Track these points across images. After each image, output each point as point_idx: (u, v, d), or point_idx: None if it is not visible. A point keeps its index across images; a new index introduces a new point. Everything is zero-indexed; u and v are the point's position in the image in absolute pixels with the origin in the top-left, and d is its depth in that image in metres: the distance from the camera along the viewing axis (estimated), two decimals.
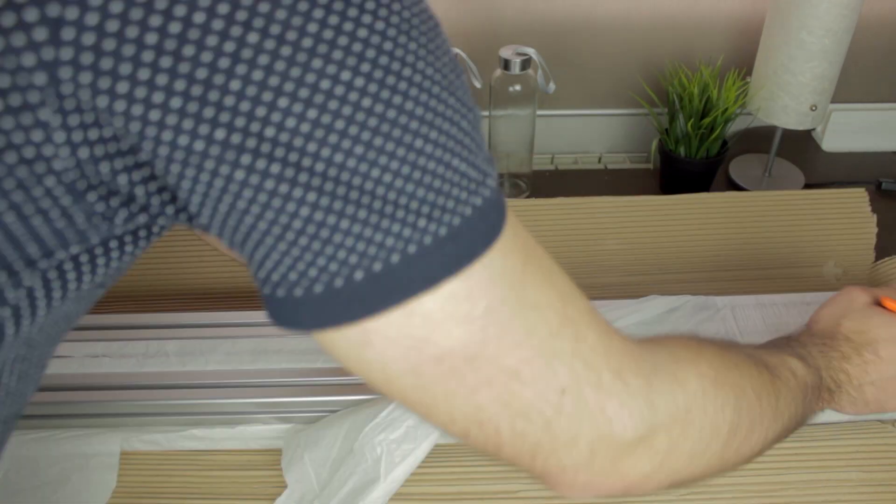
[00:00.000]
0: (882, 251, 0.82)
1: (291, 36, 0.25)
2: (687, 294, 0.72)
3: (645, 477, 0.36)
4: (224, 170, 0.26)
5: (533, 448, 0.33)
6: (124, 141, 0.26)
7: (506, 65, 0.85)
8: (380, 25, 0.27)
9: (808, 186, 0.96)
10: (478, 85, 0.90)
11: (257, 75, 0.25)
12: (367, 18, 0.27)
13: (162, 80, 0.25)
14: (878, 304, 0.58)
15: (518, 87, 0.87)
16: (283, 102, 0.26)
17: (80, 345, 0.67)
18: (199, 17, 0.24)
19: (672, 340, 0.40)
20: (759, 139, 1.01)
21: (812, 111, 0.88)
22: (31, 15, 0.24)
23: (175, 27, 0.24)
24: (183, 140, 0.26)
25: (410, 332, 0.29)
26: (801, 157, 1.02)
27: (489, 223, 0.30)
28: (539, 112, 0.93)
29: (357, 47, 0.26)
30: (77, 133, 0.26)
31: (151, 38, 0.24)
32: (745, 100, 0.91)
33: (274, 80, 0.25)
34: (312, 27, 0.26)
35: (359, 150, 0.27)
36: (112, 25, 0.24)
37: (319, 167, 0.27)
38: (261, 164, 0.26)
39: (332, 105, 0.26)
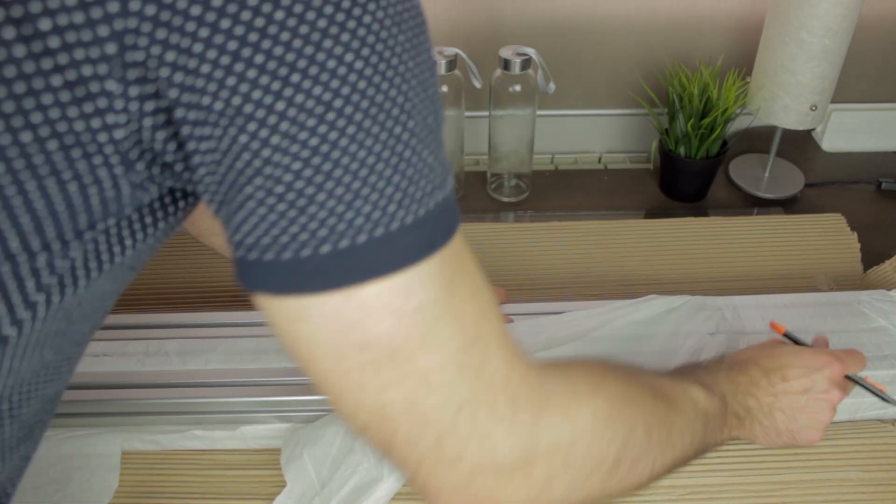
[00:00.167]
0: (877, 256, 0.83)
1: (292, 23, 0.27)
2: (686, 294, 0.72)
3: None
4: (232, 131, 0.28)
5: (419, 459, 0.34)
6: (163, 99, 0.28)
7: (506, 65, 0.85)
8: (377, 13, 0.29)
9: (808, 186, 0.96)
10: (478, 85, 0.90)
11: (259, 59, 0.27)
12: (357, 11, 0.28)
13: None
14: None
15: (518, 88, 0.87)
16: (296, 78, 0.27)
17: None
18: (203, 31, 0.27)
19: (578, 369, 0.40)
20: (759, 139, 1.01)
21: (812, 111, 0.88)
22: None
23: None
24: (218, 105, 0.28)
25: (346, 314, 0.30)
26: (801, 157, 1.02)
27: (448, 219, 0.32)
28: (539, 112, 0.93)
29: (351, 24, 0.28)
30: (135, 103, 0.28)
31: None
32: (745, 100, 0.91)
33: (291, 57, 0.27)
34: (311, 15, 0.28)
35: (341, 123, 0.28)
36: None
37: (313, 141, 0.28)
38: (264, 132, 0.28)
39: (324, 77, 0.28)
